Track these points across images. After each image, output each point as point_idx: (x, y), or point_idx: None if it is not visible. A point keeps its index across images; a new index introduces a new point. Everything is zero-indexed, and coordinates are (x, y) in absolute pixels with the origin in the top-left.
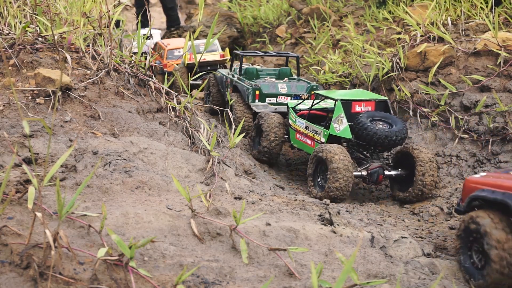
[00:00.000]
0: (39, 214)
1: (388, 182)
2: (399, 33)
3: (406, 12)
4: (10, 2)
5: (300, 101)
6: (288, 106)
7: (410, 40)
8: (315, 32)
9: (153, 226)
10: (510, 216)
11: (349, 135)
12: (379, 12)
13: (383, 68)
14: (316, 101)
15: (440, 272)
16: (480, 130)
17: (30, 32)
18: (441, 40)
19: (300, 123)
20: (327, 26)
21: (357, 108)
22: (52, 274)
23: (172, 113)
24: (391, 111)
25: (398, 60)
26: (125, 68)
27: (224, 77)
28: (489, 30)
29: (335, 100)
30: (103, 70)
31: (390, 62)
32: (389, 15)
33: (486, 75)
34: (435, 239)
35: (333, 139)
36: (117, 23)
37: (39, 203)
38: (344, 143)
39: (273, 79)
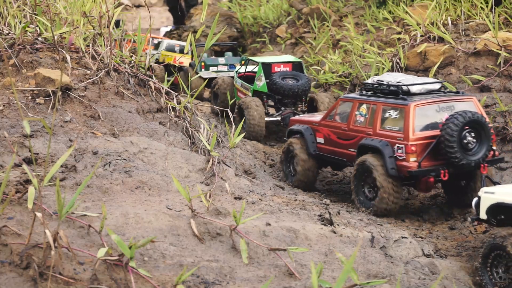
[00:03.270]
0: (39, 214)
1: None
2: (399, 33)
3: (406, 12)
4: (10, 2)
5: (242, 66)
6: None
7: (410, 40)
8: (315, 32)
9: (153, 226)
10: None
11: (265, 90)
12: (379, 12)
13: (383, 68)
14: (249, 66)
15: (440, 272)
16: None
17: (30, 32)
18: (441, 40)
19: (238, 83)
20: (327, 26)
21: (277, 69)
22: (52, 274)
23: (172, 113)
24: (304, 71)
25: (398, 60)
26: (125, 68)
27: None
28: (489, 30)
29: (258, 63)
30: (103, 70)
31: (390, 62)
32: (389, 15)
33: (486, 75)
34: (435, 239)
35: (256, 93)
36: (117, 23)
37: (39, 203)
38: (264, 96)
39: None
